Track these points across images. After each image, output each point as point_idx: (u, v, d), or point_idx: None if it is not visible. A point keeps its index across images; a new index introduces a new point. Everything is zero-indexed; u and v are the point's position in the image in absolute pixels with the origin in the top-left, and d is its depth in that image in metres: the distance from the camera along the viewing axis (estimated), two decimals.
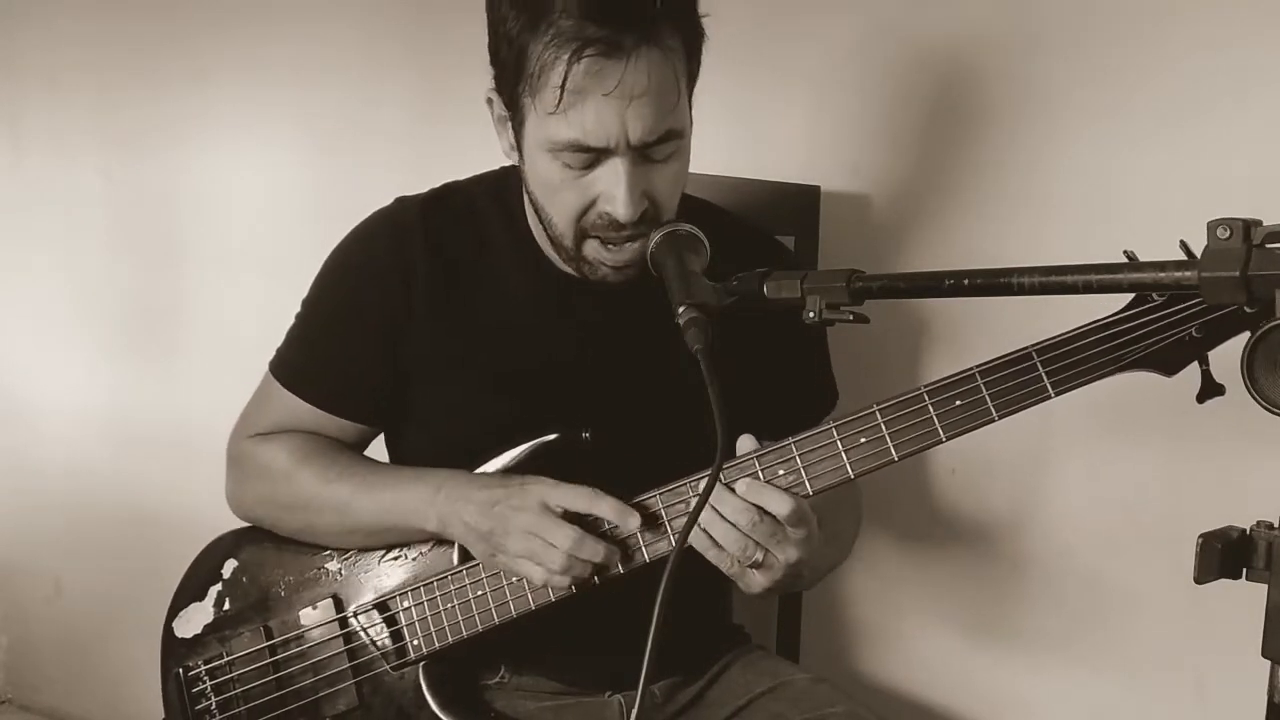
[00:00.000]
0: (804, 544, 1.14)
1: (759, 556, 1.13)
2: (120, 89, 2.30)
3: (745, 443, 1.16)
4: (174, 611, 1.41)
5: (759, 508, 1.12)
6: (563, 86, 1.09)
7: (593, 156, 1.14)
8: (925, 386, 1.13)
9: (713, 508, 1.13)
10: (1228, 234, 0.82)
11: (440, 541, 1.30)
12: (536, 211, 1.25)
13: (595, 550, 1.17)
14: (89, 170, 2.37)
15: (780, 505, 1.12)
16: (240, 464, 1.42)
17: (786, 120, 1.74)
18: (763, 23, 1.70)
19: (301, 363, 1.38)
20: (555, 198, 1.20)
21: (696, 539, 1.14)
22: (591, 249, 1.22)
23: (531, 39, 1.11)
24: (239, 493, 1.42)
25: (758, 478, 1.15)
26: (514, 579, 1.24)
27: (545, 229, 1.25)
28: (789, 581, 1.18)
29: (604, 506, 1.18)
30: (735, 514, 1.12)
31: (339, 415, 1.37)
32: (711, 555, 1.14)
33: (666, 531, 1.20)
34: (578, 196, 1.18)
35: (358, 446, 1.40)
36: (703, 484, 1.12)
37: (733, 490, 1.13)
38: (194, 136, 2.24)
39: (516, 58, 1.13)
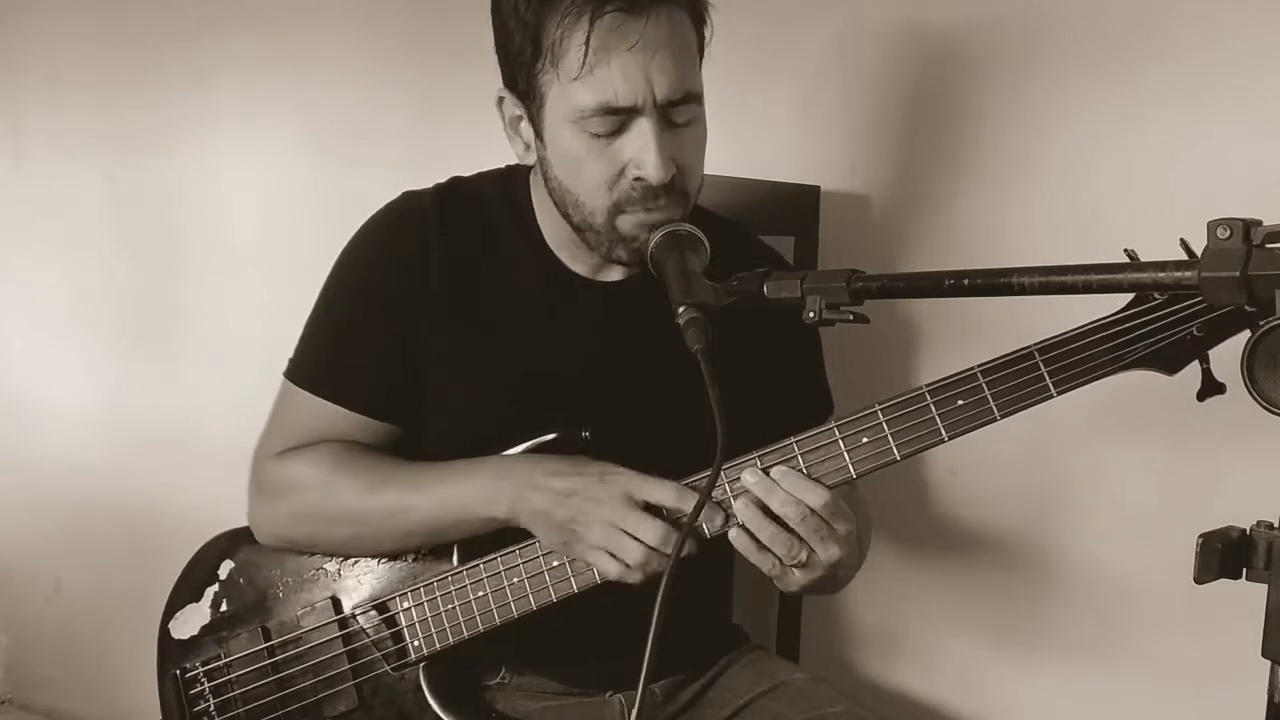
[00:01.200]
0: (846, 541, 1.14)
1: (803, 556, 1.13)
2: (121, 89, 2.30)
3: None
4: (170, 613, 1.40)
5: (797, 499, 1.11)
6: (587, 44, 1.11)
7: (619, 120, 1.15)
8: (927, 386, 1.13)
9: (757, 503, 1.12)
10: (1228, 234, 0.82)
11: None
12: (561, 200, 1.24)
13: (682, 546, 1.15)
14: (90, 170, 2.37)
15: (816, 496, 1.12)
16: (268, 484, 1.36)
17: (787, 120, 1.74)
18: (763, 23, 1.70)
19: (324, 363, 1.34)
20: (583, 172, 1.19)
21: (738, 540, 1.13)
22: (626, 223, 1.20)
23: (547, 11, 1.13)
24: (270, 514, 1.36)
25: (798, 464, 1.14)
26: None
27: (570, 215, 1.23)
28: (826, 581, 1.17)
29: (690, 503, 1.16)
30: (784, 506, 1.12)
31: (368, 414, 1.33)
32: (754, 558, 1.14)
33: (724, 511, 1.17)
34: (606, 166, 1.17)
35: (386, 450, 1.35)
36: (745, 473, 1.13)
37: (777, 483, 1.12)
38: (195, 136, 2.24)
39: (534, 35, 1.14)
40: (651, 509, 1.17)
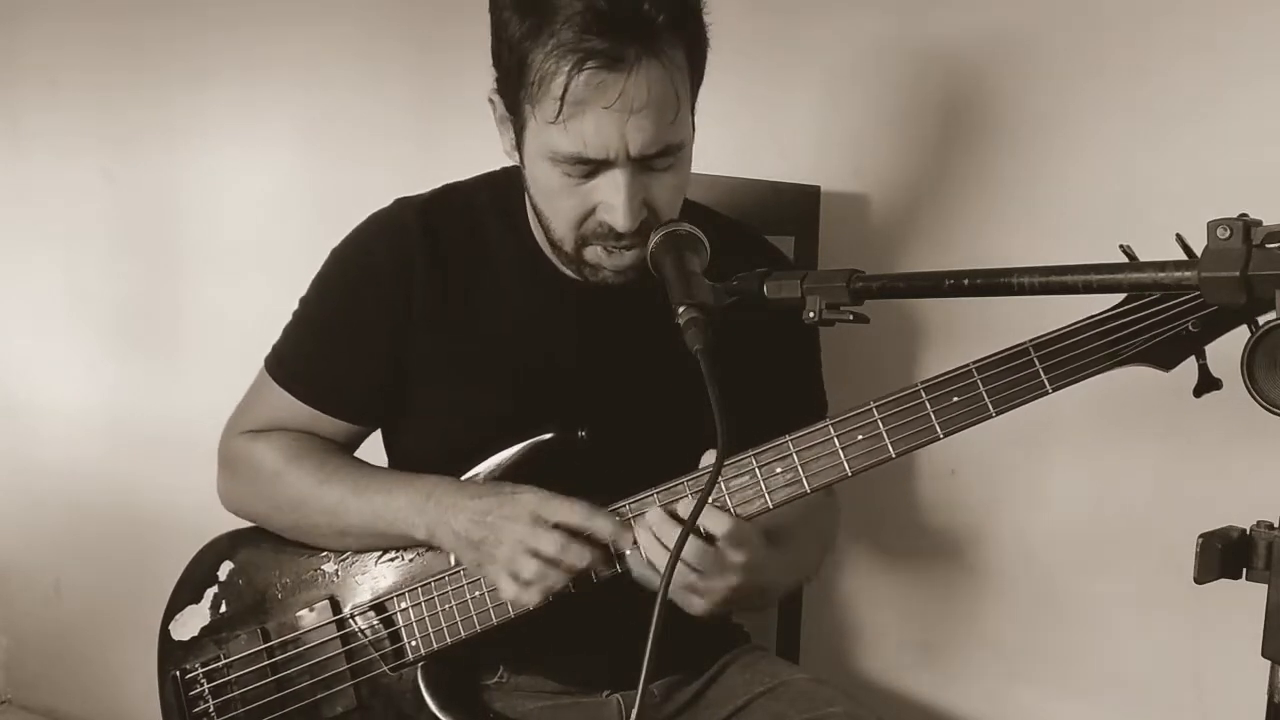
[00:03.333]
0: (745, 569, 1.15)
1: (693, 579, 1.14)
2: (120, 89, 2.30)
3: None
4: (170, 615, 1.40)
5: (698, 532, 1.12)
6: (563, 98, 1.09)
7: (592, 167, 1.14)
8: (922, 383, 1.12)
9: (650, 532, 1.14)
10: (1228, 234, 0.82)
11: None
12: (536, 214, 1.25)
13: (581, 555, 1.18)
14: (89, 170, 2.37)
15: (718, 524, 1.13)
16: (231, 461, 1.42)
17: (787, 121, 1.74)
18: (763, 24, 1.70)
19: (297, 361, 1.38)
20: (555, 204, 1.20)
21: (634, 564, 1.16)
22: (592, 254, 1.22)
23: (533, 47, 1.10)
24: (229, 489, 1.43)
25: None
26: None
27: (544, 229, 1.25)
28: (735, 604, 1.19)
29: (600, 523, 1.18)
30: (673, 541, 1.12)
31: (332, 415, 1.37)
32: (643, 576, 1.16)
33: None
34: (577, 204, 1.18)
35: (349, 446, 1.40)
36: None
37: (675, 516, 1.14)
38: (194, 136, 2.24)
39: (518, 65, 1.13)
40: (560, 528, 1.18)
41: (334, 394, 1.37)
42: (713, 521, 1.13)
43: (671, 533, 1.13)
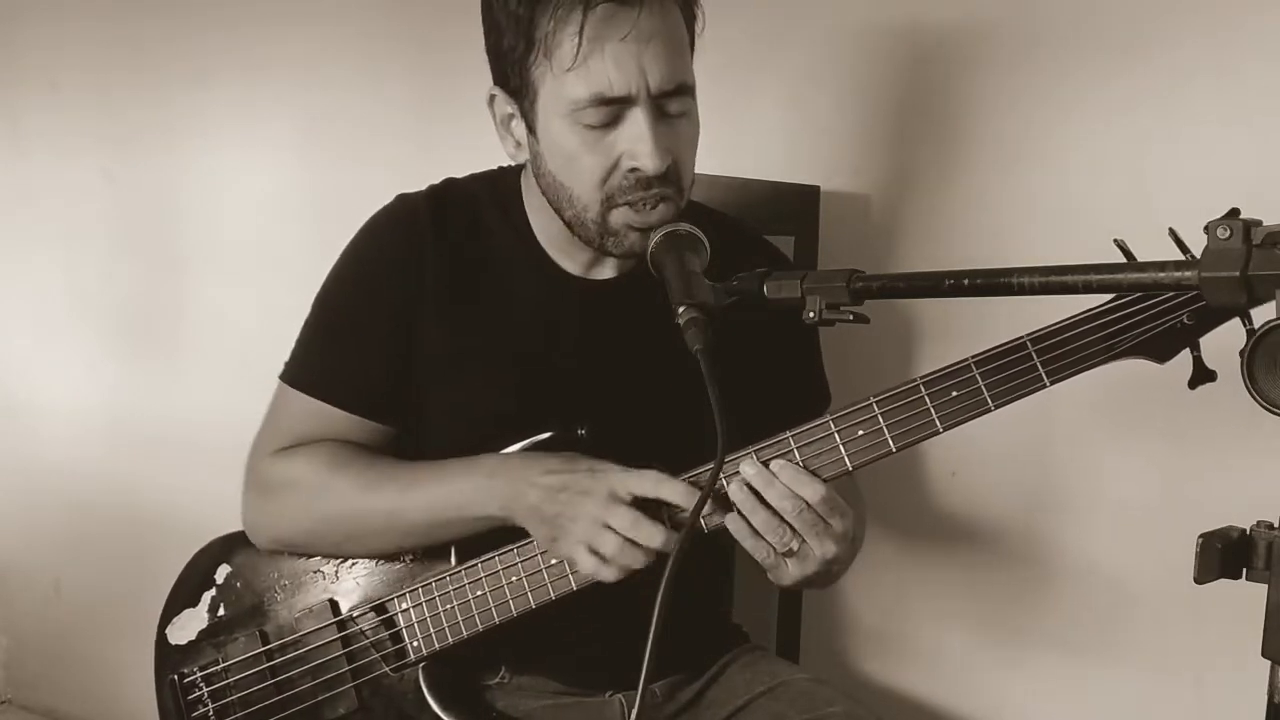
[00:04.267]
0: (842, 538, 1.14)
1: (795, 546, 1.13)
2: (121, 89, 2.30)
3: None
4: (167, 618, 1.40)
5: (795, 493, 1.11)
6: (580, 34, 1.11)
7: (614, 111, 1.15)
8: (921, 378, 1.13)
9: (754, 492, 1.12)
10: (1228, 234, 0.82)
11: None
12: (551, 199, 1.24)
13: (652, 534, 1.15)
14: (89, 170, 2.37)
15: (812, 491, 1.12)
16: (264, 484, 1.36)
17: (787, 120, 1.74)
18: (763, 22, 1.70)
19: (320, 365, 1.35)
20: (577, 166, 1.19)
21: (735, 525, 1.13)
22: (618, 217, 1.20)
23: (539, 4, 1.13)
24: (265, 515, 1.36)
25: (794, 457, 1.14)
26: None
27: (563, 210, 1.23)
28: (820, 575, 1.16)
29: (668, 490, 1.16)
30: (780, 499, 1.12)
31: (364, 415, 1.33)
32: (748, 544, 1.13)
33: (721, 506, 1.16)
34: (601, 159, 1.18)
35: (383, 451, 1.36)
36: (743, 464, 1.13)
37: (775, 476, 1.13)
38: (194, 136, 2.24)
39: (526, 29, 1.14)
40: (639, 503, 1.16)
41: (360, 392, 1.33)
42: (808, 489, 1.12)
43: (769, 485, 1.12)
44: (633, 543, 1.15)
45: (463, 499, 1.24)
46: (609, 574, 1.17)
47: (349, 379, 1.33)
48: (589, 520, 1.17)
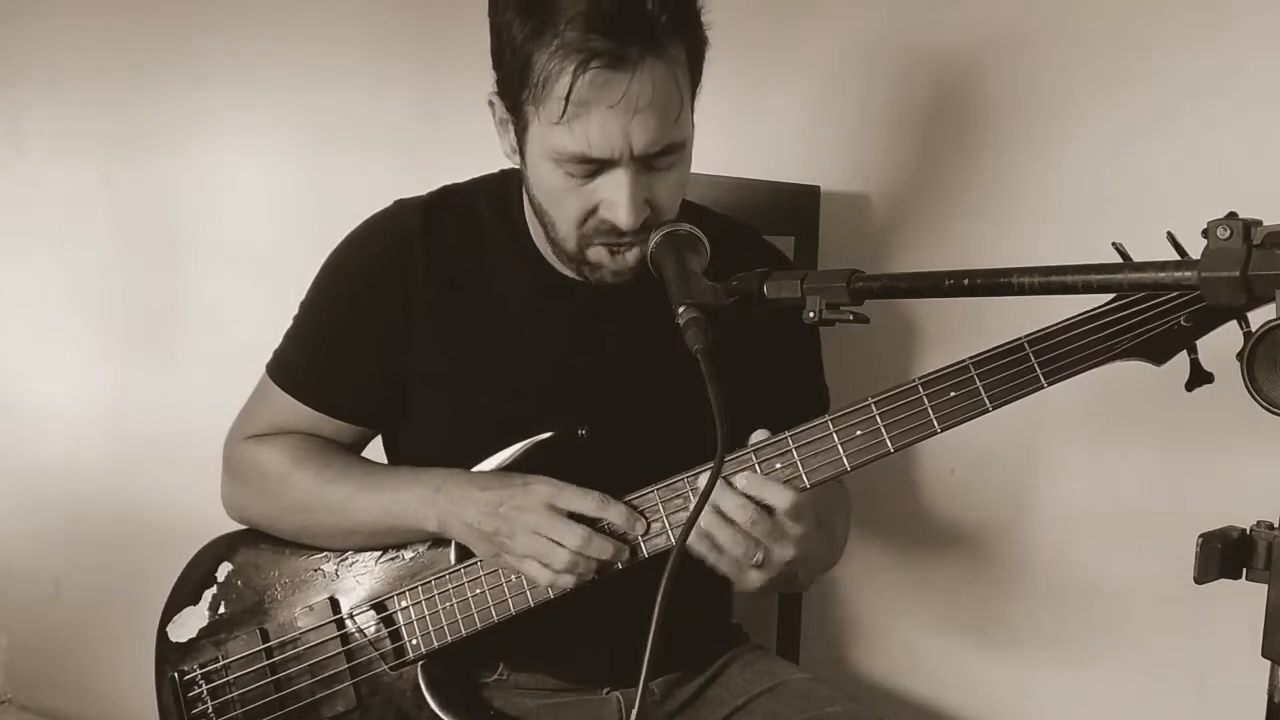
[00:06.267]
0: (801, 541, 1.15)
1: (759, 556, 1.13)
2: (121, 88, 2.30)
3: (758, 435, 1.17)
4: (167, 617, 1.40)
5: (757, 503, 1.12)
6: (567, 98, 1.09)
7: (595, 166, 1.15)
8: (920, 378, 1.13)
9: (713, 507, 1.13)
10: (1228, 234, 0.82)
11: (438, 540, 1.30)
12: (538, 215, 1.25)
13: (603, 548, 1.18)
14: (89, 170, 2.37)
15: (780, 498, 1.13)
16: (236, 466, 1.42)
17: (787, 120, 1.74)
18: (763, 23, 1.70)
19: (299, 365, 1.38)
20: (558, 204, 1.20)
21: (696, 543, 1.13)
22: (594, 254, 1.22)
23: (536, 48, 1.10)
24: (235, 494, 1.42)
25: (755, 471, 1.15)
26: (514, 577, 1.25)
27: (546, 231, 1.25)
28: (784, 580, 1.18)
29: (614, 512, 1.19)
30: (735, 510, 1.12)
31: (336, 417, 1.37)
32: (711, 558, 1.14)
33: (665, 528, 1.20)
34: (580, 203, 1.18)
35: (354, 448, 1.40)
36: (702, 479, 1.13)
37: (732, 486, 1.13)
38: (194, 136, 2.24)
39: (521, 66, 1.13)
40: (575, 518, 1.19)
41: (336, 396, 1.37)
42: (774, 495, 1.13)
43: (761, 488, 1.13)
44: (579, 554, 1.18)
45: (404, 509, 1.27)
46: (565, 582, 1.20)
47: (324, 383, 1.37)
48: (528, 534, 1.19)
